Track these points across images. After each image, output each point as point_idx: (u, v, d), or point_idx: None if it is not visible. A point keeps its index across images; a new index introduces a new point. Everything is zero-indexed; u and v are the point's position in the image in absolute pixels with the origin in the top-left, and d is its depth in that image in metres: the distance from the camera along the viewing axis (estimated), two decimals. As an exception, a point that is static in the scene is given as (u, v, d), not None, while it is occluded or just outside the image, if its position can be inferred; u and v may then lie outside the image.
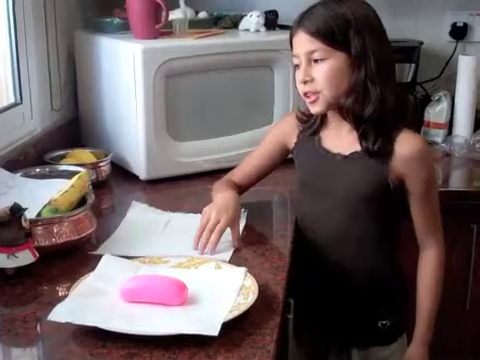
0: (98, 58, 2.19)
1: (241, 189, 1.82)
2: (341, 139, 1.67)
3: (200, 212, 1.69)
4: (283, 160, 1.84)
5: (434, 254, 1.70)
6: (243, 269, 1.44)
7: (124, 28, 2.16)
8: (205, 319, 1.27)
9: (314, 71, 1.59)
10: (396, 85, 1.64)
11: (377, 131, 1.59)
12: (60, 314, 1.28)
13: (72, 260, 1.56)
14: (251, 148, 2.12)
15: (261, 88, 2.23)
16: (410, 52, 2.54)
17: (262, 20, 2.29)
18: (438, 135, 2.56)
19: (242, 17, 2.35)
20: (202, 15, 2.39)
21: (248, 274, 1.43)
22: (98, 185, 1.99)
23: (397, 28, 2.61)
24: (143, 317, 1.29)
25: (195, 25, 2.26)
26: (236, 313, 1.29)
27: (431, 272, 1.71)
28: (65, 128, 2.31)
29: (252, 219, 1.80)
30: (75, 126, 2.37)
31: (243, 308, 1.31)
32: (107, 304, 1.34)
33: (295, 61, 1.64)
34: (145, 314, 1.30)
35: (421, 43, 2.60)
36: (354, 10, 1.57)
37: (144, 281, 1.39)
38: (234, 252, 1.60)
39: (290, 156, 1.82)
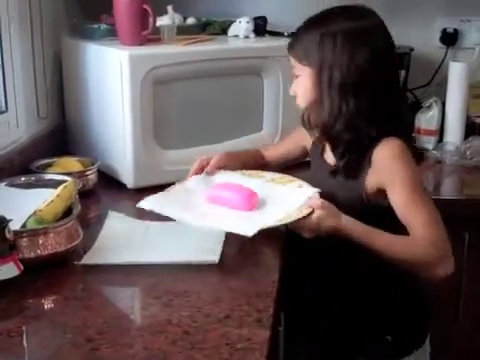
0: (85, 65, 2.16)
1: (265, 162, 1.95)
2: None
3: None
4: (303, 157, 1.96)
5: (427, 245, 1.55)
6: (316, 190, 1.65)
7: (111, 34, 2.13)
8: (252, 222, 1.55)
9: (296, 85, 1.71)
10: (381, 98, 1.60)
11: (346, 147, 1.61)
12: (148, 202, 1.66)
13: (58, 272, 1.53)
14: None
15: (250, 95, 2.21)
16: (400, 58, 2.52)
17: (251, 26, 2.26)
18: (429, 142, 2.53)
19: (231, 23, 2.32)
20: (190, 21, 2.36)
21: (317, 194, 1.62)
22: (85, 194, 1.95)
23: (392, 34, 2.60)
24: (211, 216, 1.63)
25: (183, 31, 2.24)
26: (287, 221, 1.55)
27: (413, 242, 1.57)
28: (52, 136, 2.28)
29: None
30: (62, 134, 2.34)
31: (285, 220, 1.55)
32: (190, 201, 1.70)
33: None
34: (214, 214, 1.64)
35: (411, 49, 2.58)
36: (329, 25, 1.61)
37: (224, 188, 1.72)
38: (220, 262, 1.56)
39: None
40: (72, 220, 1.59)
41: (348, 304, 1.71)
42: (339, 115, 1.59)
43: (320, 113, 1.62)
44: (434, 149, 2.51)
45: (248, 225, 1.53)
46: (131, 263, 1.55)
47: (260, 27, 2.30)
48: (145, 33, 2.05)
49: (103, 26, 2.17)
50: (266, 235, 1.77)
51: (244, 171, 1.84)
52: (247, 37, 2.27)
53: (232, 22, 2.32)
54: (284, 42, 2.20)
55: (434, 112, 2.55)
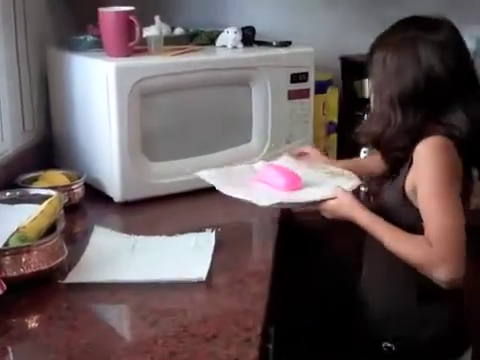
0: (71, 77, 2.13)
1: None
2: None
3: (177, 234, 1.73)
4: None
5: (426, 246, 1.51)
6: (357, 183, 1.77)
7: (97, 46, 2.10)
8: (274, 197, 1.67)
9: None
10: (432, 110, 1.61)
11: (395, 153, 1.66)
12: (206, 176, 1.80)
13: (42, 290, 1.49)
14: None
15: (239, 105, 2.18)
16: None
17: (239, 36, 2.24)
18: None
19: (219, 33, 2.29)
20: (178, 31, 2.33)
21: (352, 186, 1.73)
22: (71, 208, 1.93)
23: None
24: (255, 191, 1.73)
25: (171, 42, 2.20)
26: (295, 201, 1.70)
27: (416, 241, 1.53)
28: (38, 149, 2.24)
29: (229, 240, 1.75)
30: (48, 147, 2.30)
31: (302, 200, 1.69)
32: (242, 178, 1.81)
33: None
34: (258, 190, 1.74)
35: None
36: (384, 39, 1.66)
37: (275, 168, 1.82)
38: (208, 278, 1.53)
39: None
40: (56, 237, 1.56)
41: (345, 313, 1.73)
42: (388, 125, 1.62)
43: (372, 124, 1.68)
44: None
45: (265, 199, 1.66)
46: (116, 282, 1.51)
47: (248, 37, 2.27)
48: (132, 44, 2.02)
49: (89, 38, 2.14)
50: (255, 250, 1.76)
51: (313, 164, 1.93)
52: (235, 47, 2.24)
53: (220, 32, 2.29)
54: (272, 52, 2.20)
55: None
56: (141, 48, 2.10)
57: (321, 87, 2.39)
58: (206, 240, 1.72)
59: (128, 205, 2.01)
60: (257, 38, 2.33)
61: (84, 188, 2.04)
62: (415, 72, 1.58)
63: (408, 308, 1.68)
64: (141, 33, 2.02)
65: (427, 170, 1.55)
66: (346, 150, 2.51)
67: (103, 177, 2.06)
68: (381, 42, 1.67)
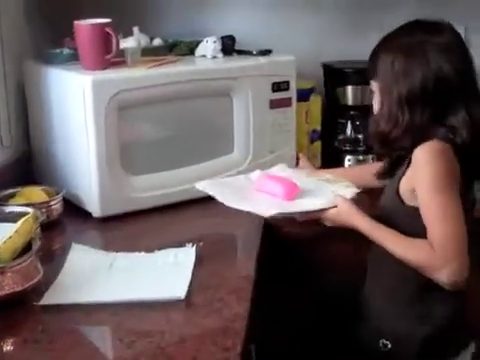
0: (48, 91, 2.09)
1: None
2: None
3: (160, 249, 1.70)
4: None
5: (428, 248, 1.54)
6: (355, 191, 1.76)
7: (74, 58, 2.06)
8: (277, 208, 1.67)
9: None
10: (438, 111, 1.64)
11: (399, 152, 1.69)
12: (205, 187, 1.79)
13: (16, 312, 1.45)
14: (214, 178, 2.04)
15: (220, 117, 2.15)
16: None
17: (219, 46, 2.21)
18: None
19: (198, 43, 2.26)
20: (157, 42, 2.30)
21: (351, 193, 1.74)
22: (49, 225, 1.89)
23: (362, 48, 2.53)
24: (256, 202, 1.73)
25: (149, 53, 2.17)
26: (297, 210, 1.70)
27: (417, 244, 1.57)
28: (17, 165, 2.20)
29: (210, 255, 1.72)
30: (27, 162, 2.26)
31: (305, 209, 1.70)
32: (241, 188, 1.81)
33: None
34: (259, 201, 1.74)
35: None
36: (392, 41, 1.69)
37: (272, 179, 1.83)
38: (187, 297, 1.49)
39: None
40: (31, 257, 1.52)
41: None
42: (396, 125, 1.65)
43: (380, 124, 1.69)
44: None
45: (269, 208, 1.67)
46: (93, 303, 1.48)
47: (228, 46, 2.24)
48: (108, 57, 1.98)
49: (65, 50, 2.10)
50: (237, 264, 1.72)
51: (311, 172, 1.96)
52: (215, 57, 2.21)
53: (200, 42, 2.25)
54: (252, 61, 2.17)
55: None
56: (119, 60, 2.06)
57: (304, 95, 2.37)
58: (186, 256, 1.69)
59: (107, 220, 1.97)
60: (238, 47, 2.30)
61: (63, 204, 2.00)
62: (424, 72, 1.62)
63: (406, 306, 1.70)
64: (118, 45, 1.98)
65: (426, 175, 1.58)
66: (330, 158, 2.49)
67: (82, 192, 2.03)
68: (386, 46, 1.70)
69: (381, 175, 1.80)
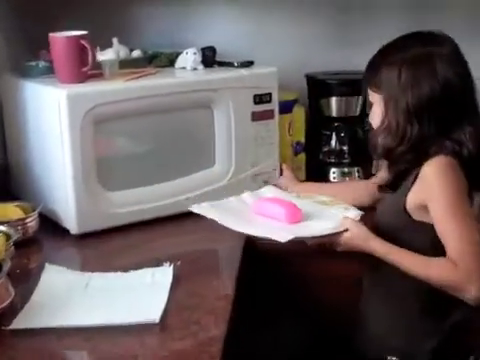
0: (24, 104, 2.04)
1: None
2: None
3: (137, 268, 1.66)
4: None
5: (450, 266, 1.55)
6: (359, 213, 1.72)
7: (51, 71, 2.01)
8: (288, 231, 1.61)
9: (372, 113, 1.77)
10: (446, 123, 1.64)
11: (405, 166, 1.67)
12: (199, 207, 1.73)
13: (-14, 337, 1.41)
14: (194, 193, 2.04)
15: (201, 130, 2.11)
16: (357, 85, 2.42)
17: (199, 57, 2.16)
18: (390, 170, 2.44)
19: (179, 54, 2.22)
20: (136, 54, 2.25)
21: (358, 216, 1.70)
22: (25, 243, 1.84)
23: (347, 59, 2.53)
24: (252, 223, 1.70)
25: (128, 65, 2.13)
26: (310, 234, 1.65)
27: (436, 263, 1.58)
28: (-7, 180, 2.16)
29: (188, 274, 1.67)
30: (4, 174, 2.21)
31: (320, 233, 1.65)
32: (238, 211, 1.77)
33: None
34: (256, 222, 1.71)
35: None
36: (397, 53, 1.67)
37: (271, 201, 1.79)
38: (162, 320, 1.44)
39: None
40: (1, 279, 1.47)
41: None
42: (404, 138, 1.65)
43: (386, 137, 1.68)
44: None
45: (283, 233, 1.60)
46: (66, 327, 1.43)
47: (208, 58, 2.20)
48: (85, 70, 1.94)
49: (41, 63, 2.05)
50: (215, 283, 1.67)
51: (300, 193, 1.93)
52: (195, 69, 2.16)
53: (180, 53, 2.21)
54: (233, 73, 2.13)
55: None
56: (96, 72, 2.02)
57: (286, 107, 2.32)
58: (163, 275, 1.64)
59: (85, 237, 1.92)
60: (219, 58, 2.26)
61: (39, 221, 1.95)
62: (432, 83, 1.63)
63: (412, 322, 1.70)
64: (94, 58, 1.94)
65: (440, 192, 1.58)
66: (315, 170, 2.45)
67: (59, 208, 1.98)
68: (390, 58, 1.68)
69: (384, 188, 1.78)
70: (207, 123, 2.10)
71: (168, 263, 1.69)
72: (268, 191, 1.93)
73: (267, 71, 2.18)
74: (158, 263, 1.70)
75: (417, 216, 1.64)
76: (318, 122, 2.47)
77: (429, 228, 1.61)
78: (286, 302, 2.02)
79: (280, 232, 1.62)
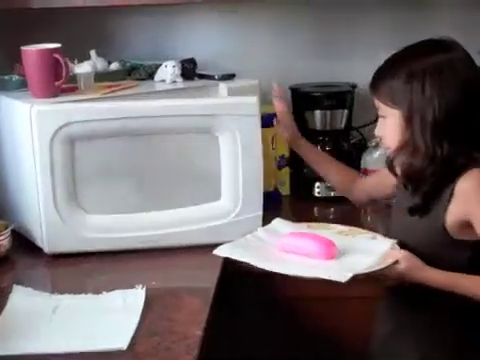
0: (-2, 118, 1.99)
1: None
2: None
3: (110, 290, 1.62)
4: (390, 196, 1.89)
5: None
6: (393, 241, 1.61)
7: (24, 86, 1.96)
8: (339, 269, 1.50)
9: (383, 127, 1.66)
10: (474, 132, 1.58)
11: (431, 186, 1.58)
12: (224, 250, 1.61)
13: None
14: (176, 229, 1.90)
15: (191, 157, 1.92)
16: (341, 97, 2.38)
17: (178, 70, 2.10)
18: (376, 184, 2.38)
19: (158, 67, 2.16)
20: (114, 66, 2.19)
21: (396, 245, 1.59)
22: (-3, 261, 1.79)
23: (331, 71, 2.48)
24: (293, 263, 1.56)
25: (105, 78, 2.08)
26: (369, 270, 1.51)
27: None
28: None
29: (161, 297, 1.61)
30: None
31: (375, 268, 1.52)
32: (264, 250, 1.64)
33: None
34: (295, 261, 1.57)
35: (354, 86, 2.43)
36: (414, 63, 1.57)
37: (300, 236, 1.65)
38: (130, 348, 1.38)
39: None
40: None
41: None
42: (434, 158, 1.56)
43: (413, 157, 1.58)
44: (382, 192, 2.36)
45: (336, 272, 1.50)
46: (30, 354, 1.37)
47: (188, 70, 2.14)
48: (58, 84, 1.88)
49: (14, 77, 2.00)
50: (189, 308, 1.61)
51: (310, 224, 1.80)
52: (174, 82, 2.11)
53: (159, 66, 2.15)
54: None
55: (381, 152, 2.39)
56: (72, 86, 1.97)
57: (269, 120, 2.26)
58: (135, 298, 1.59)
59: (59, 257, 1.87)
60: (202, 69, 2.20)
61: (11, 239, 1.90)
62: (457, 90, 1.55)
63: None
64: (68, 71, 1.88)
65: None
66: (300, 184, 2.40)
67: (32, 226, 1.92)
68: (405, 71, 1.57)
69: (415, 211, 1.63)
70: (203, 151, 1.92)
71: (141, 285, 1.63)
72: (281, 225, 1.79)
73: (248, 84, 2.12)
74: (131, 285, 1.64)
75: (457, 234, 1.57)
76: (303, 134, 2.40)
77: (469, 245, 1.57)
78: (269, 324, 1.98)
79: (331, 271, 1.51)
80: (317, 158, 2.01)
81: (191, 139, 1.90)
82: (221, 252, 1.63)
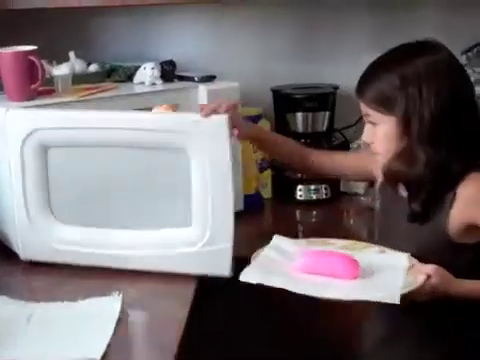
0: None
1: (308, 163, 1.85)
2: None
3: (86, 297, 1.59)
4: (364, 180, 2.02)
5: None
6: (407, 254, 1.55)
7: (1, 89, 1.93)
8: (384, 289, 1.44)
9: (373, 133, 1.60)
10: (470, 135, 1.55)
11: (429, 193, 1.55)
12: (250, 275, 1.49)
13: None
14: (138, 252, 1.77)
15: (162, 170, 1.76)
16: (323, 99, 2.36)
17: (157, 72, 2.08)
18: (358, 187, 2.37)
19: (137, 68, 2.13)
20: (93, 68, 2.17)
21: (412, 258, 1.54)
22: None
23: (313, 72, 2.46)
24: (327, 285, 1.48)
25: (83, 80, 2.05)
26: (409, 289, 1.44)
27: None
28: None
29: (138, 304, 1.60)
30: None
31: (414, 285, 1.46)
32: (288, 273, 1.53)
33: None
34: (327, 283, 1.49)
35: (336, 88, 2.41)
36: (405, 66, 1.53)
37: (320, 256, 1.57)
38: (103, 357, 1.35)
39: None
40: None
41: None
42: (432, 164, 1.52)
43: (411, 164, 1.54)
44: (365, 194, 2.35)
45: (385, 294, 1.44)
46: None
47: (168, 72, 2.12)
48: (34, 86, 1.85)
49: (-9, 79, 1.97)
50: (165, 317, 1.58)
51: (310, 239, 1.72)
52: (154, 84, 2.08)
53: (138, 68, 2.13)
54: (193, 89, 2.02)
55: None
56: (49, 89, 1.95)
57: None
58: (111, 306, 1.56)
59: (35, 265, 1.83)
60: (181, 70, 2.19)
61: (-13, 244, 1.87)
62: (451, 92, 1.52)
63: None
64: (44, 74, 1.85)
65: None
66: (281, 187, 2.38)
67: (9, 232, 1.88)
68: (396, 75, 1.52)
69: (415, 219, 1.59)
70: (174, 170, 1.74)
71: (117, 292, 1.60)
72: (283, 243, 1.68)
73: (228, 86, 2.10)
74: (107, 292, 1.62)
75: (458, 238, 1.55)
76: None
77: (469, 248, 1.56)
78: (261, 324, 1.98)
79: (375, 292, 1.45)
80: (272, 146, 1.88)
81: (161, 156, 1.72)
82: (249, 278, 1.49)
